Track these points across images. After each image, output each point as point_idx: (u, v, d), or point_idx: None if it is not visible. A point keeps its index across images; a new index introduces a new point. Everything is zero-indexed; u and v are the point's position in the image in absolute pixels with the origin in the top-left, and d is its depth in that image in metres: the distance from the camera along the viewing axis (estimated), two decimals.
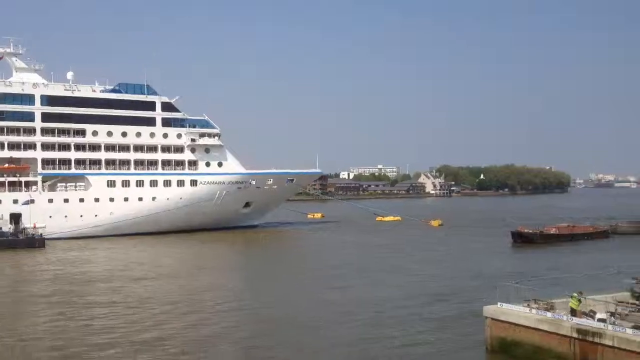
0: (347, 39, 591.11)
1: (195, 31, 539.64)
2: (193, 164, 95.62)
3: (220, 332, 32.68)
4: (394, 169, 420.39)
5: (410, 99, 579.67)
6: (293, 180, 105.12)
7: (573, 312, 25.23)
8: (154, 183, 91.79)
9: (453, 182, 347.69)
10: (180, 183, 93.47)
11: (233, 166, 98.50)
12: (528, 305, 26.76)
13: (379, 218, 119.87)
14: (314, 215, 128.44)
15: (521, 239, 74.98)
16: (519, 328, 26.11)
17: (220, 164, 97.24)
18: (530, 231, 77.24)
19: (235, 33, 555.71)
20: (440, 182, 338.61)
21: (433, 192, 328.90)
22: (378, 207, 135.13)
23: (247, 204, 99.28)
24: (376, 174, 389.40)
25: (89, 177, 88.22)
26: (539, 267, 52.58)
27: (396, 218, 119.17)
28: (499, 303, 27.61)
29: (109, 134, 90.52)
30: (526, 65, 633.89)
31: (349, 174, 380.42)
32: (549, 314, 25.56)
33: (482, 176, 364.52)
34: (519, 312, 26.51)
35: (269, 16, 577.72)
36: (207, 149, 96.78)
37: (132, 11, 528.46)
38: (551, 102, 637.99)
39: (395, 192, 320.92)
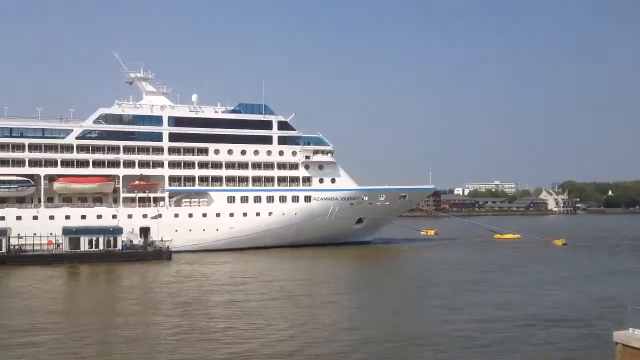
0: (457, 54, 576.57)
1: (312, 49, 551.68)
2: (307, 180, 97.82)
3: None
4: (512, 185, 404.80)
5: (529, 112, 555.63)
6: (406, 196, 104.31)
7: None
8: (270, 199, 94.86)
9: (578, 199, 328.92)
10: (295, 199, 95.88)
11: (346, 182, 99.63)
12: None
13: (496, 235, 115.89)
14: (427, 232, 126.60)
15: None
16: None
17: (333, 180, 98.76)
18: None
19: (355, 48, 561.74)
20: (563, 199, 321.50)
21: (556, 209, 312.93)
22: (495, 224, 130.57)
23: (359, 220, 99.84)
24: (493, 190, 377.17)
25: (211, 193, 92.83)
26: None
27: (515, 236, 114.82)
28: (630, 328, 25.65)
29: (230, 152, 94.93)
30: None
31: (463, 190, 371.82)
32: None
33: (610, 192, 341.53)
34: None
35: (381, 30, 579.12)
36: (320, 166, 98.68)
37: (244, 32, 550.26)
38: None
39: (514, 209, 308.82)
